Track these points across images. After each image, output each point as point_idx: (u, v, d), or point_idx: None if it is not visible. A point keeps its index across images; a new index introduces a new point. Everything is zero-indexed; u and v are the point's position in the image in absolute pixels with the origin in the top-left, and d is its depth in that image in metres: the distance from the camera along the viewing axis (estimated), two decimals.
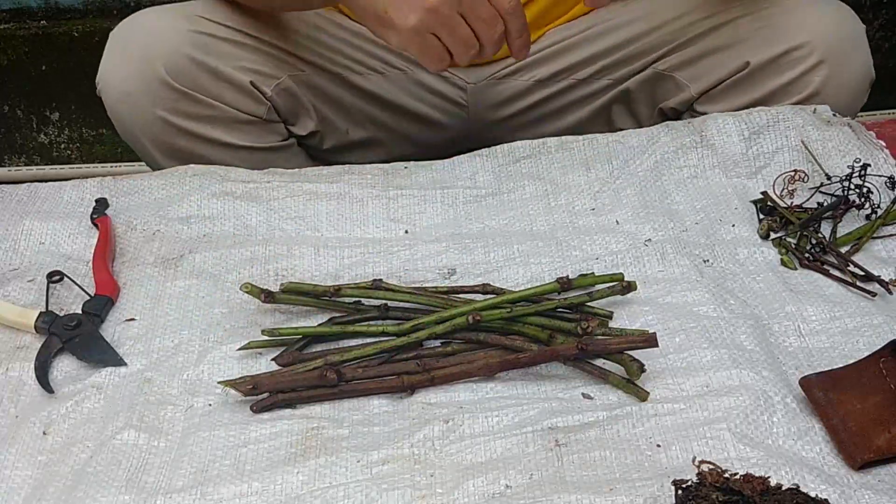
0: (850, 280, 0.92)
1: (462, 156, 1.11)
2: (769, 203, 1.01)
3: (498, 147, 1.11)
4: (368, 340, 0.88)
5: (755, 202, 1.02)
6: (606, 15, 1.22)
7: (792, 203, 1.01)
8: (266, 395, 0.83)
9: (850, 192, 1.00)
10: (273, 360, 0.87)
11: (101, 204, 1.05)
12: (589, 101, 1.25)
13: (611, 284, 0.90)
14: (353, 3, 1.02)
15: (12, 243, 1.01)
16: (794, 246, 0.96)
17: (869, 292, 0.91)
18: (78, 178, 1.12)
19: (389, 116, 1.25)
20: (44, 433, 0.82)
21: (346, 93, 1.23)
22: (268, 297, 0.90)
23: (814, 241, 0.96)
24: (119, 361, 0.88)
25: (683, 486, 0.68)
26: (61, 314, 0.92)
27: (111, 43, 1.13)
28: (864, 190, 0.99)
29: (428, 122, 1.26)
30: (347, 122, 1.24)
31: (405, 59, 1.23)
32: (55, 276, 0.96)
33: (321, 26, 1.21)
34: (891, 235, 0.98)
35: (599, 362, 0.84)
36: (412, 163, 1.11)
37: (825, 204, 1.00)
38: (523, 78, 1.24)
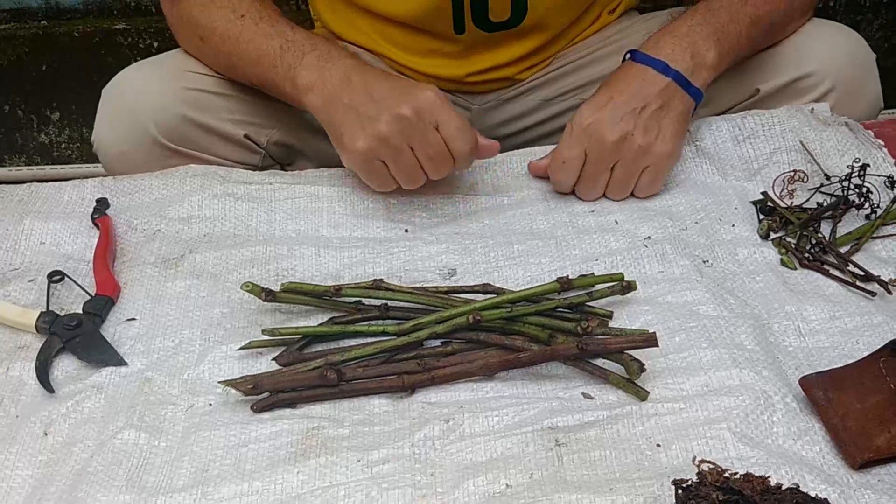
0: (849, 280, 0.92)
1: None
2: (769, 203, 1.01)
3: (497, 156, 1.11)
4: (369, 340, 0.88)
5: (755, 202, 1.02)
6: (615, 37, 1.22)
7: (791, 203, 1.01)
8: (266, 395, 0.84)
9: (850, 191, 1.00)
10: (273, 359, 0.87)
11: (102, 204, 1.05)
12: None
13: (611, 284, 0.90)
14: (315, 114, 1.02)
15: (13, 243, 1.01)
16: (793, 246, 0.96)
17: (869, 292, 0.91)
18: (78, 178, 1.11)
19: None
20: (44, 433, 0.82)
21: None
22: (268, 295, 0.90)
23: (813, 241, 0.96)
24: (120, 361, 0.88)
25: (683, 485, 0.68)
26: (62, 314, 0.92)
27: (103, 102, 1.12)
28: (864, 190, 1.00)
29: None
30: None
31: None
32: (56, 276, 0.96)
33: None
34: (890, 235, 0.98)
35: (599, 362, 0.84)
36: None
37: (825, 204, 1.00)
38: (529, 97, 1.24)
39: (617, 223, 1.01)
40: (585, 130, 1.00)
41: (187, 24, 1.10)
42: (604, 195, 1.04)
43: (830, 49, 1.10)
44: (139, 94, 1.09)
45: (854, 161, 1.01)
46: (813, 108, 1.09)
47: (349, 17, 1.21)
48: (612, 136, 0.99)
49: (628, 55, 1.04)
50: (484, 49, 1.18)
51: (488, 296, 0.90)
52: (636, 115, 0.99)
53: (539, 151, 1.10)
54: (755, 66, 1.12)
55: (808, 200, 1.01)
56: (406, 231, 1.02)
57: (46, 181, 1.12)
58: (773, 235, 0.98)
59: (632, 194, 1.04)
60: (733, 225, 0.99)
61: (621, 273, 0.91)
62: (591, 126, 1.00)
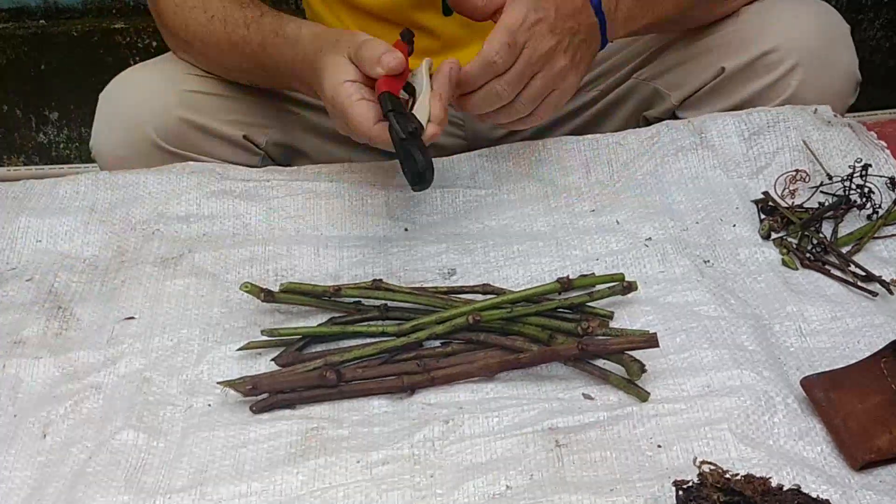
0: (851, 280, 0.92)
1: (462, 155, 1.11)
2: (770, 203, 1.01)
3: (497, 147, 1.11)
4: (368, 341, 0.88)
5: (756, 202, 1.02)
6: None
7: (793, 203, 1.01)
8: (265, 396, 0.83)
9: (852, 192, 1.00)
10: (273, 360, 0.87)
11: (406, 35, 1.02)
12: (578, 113, 1.25)
13: (611, 284, 0.90)
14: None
15: (9, 241, 1.01)
16: (795, 246, 0.96)
17: (870, 292, 0.91)
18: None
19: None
20: (43, 434, 0.82)
21: None
22: (267, 296, 0.89)
23: (815, 241, 0.96)
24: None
25: (684, 486, 0.68)
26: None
27: (101, 106, 1.12)
28: (866, 190, 0.99)
29: None
30: (350, 152, 1.22)
31: None
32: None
33: None
34: (892, 235, 0.97)
35: (600, 362, 0.84)
36: None
37: (826, 204, 1.00)
38: None
39: (618, 223, 1.01)
40: (530, 29, 0.94)
41: (171, 29, 1.11)
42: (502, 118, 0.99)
43: (793, 23, 1.09)
44: (137, 98, 1.10)
45: (856, 161, 1.01)
46: (816, 109, 1.09)
47: (340, 17, 1.21)
48: (549, 42, 0.95)
49: None
50: (471, 41, 1.18)
51: (488, 296, 0.90)
52: (571, 33, 0.97)
53: (540, 145, 1.10)
54: (718, 44, 1.12)
55: (808, 200, 1.01)
56: (406, 230, 1.02)
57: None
58: (774, 235, 0.98)
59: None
60: (734, 225, 0.99)
61: (622, 273, 0.91)
62: (535, 26, 0.95)
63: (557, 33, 0.96)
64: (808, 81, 1.09)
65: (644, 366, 0.81)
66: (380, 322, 0.90)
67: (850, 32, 1.12)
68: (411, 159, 0.88)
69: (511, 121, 0.99)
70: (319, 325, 0.90)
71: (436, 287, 0.93)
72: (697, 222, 1.00)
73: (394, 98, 0.90)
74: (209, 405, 0.84)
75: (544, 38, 0.95)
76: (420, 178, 0.88)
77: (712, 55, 1.12)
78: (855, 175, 1.00)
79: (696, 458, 0.73)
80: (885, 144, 1.06)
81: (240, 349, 0.88)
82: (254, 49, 1.05)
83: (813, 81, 1.09)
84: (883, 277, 0.92)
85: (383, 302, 0.91)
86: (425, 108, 0.92)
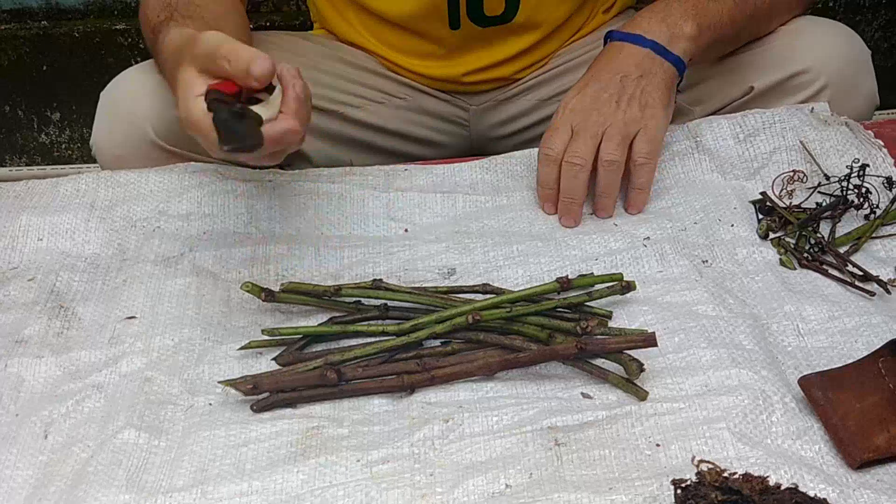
0: (848, 280, 0.92)
1: (462, 164, 1.11)
2: (768, 203, 1.01)
3: (495, 157, 1.11)
4: (368, 340, 0.88)
5: (754, 202, 1.02)
6: None
7: (791, 203, 1.01)
8: (266, 395, 0.84)
9: (849, 192, 1.00)
10: (273, 359, 0.87)
11: None
12: None
13: (610, 284, 0.90)
14: None
15: (10, 241, 1.01)
16: (792, 246, 0.96)
17: (868, 292, 0.91)
18: None
19: (391, 141, 1.24)
20: (45, 434, 0.82)
21: (345, 127, 1.21)
22: (268, 296, 0.90)
23: (812, 241, 0.96)
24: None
25: (682, 485, 0.68)
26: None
27: (101, 105, 1.12)
28: (863, 190, 1.00)
29: (429, 142, 1.26)
30: (349, 153, 1.22)
31: (406, 87, 1.23)
32: None
33: (317, 63, 1.20)
34: (889, 235, 0.98)
35: (599, 362, 0.84)
36: (412, 165, 1.12)
37: (824, 204, 1.00)
38: (526, 98, 1.24)
39: (616, 225, 1.01)
40: (573, 109, 1.00)
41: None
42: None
43: (824, 46, 1.10)
44: (136, 97, 1.10)
45: (853, 161, 1.01)
46: (813, 108, 1.09)
47: (346, 16, 1.22)
48: (597, 106, 0.99)
49: (608, 39, 1.04)
50: (478, 47, 1.18)
51: (488, 296, 0.90)
52: (619, 84, 0.99)
53: (535, 154, 1.10)
54: (748, 62, 1.12)
55: (806, 200, 1.01)
56: (406, 231, 1.02)
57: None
58: (772, 235, 0.98)
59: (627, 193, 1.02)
60: (732, 225, 0.99)
61: (621, 273, 0.91)
62: (576, 103, 1.00)
63: (603, 92, 0.99)
64: (834, 103, 1.10)
65: (643, 365, 0.82)
66: (380, 322, 0.90)
67: (871, 58, 1.13)
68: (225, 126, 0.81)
69: (623, 190, 1.00)
70: (320, 324, 0.90)
71: (436, 287, 0.93)
72: (696, 222, 1.00)
73: (218, 92, 0.83)
74: (210, 404, 0.84)
75: (589, 106, 0.99)
76: (231, 136, 0.82)
77: (742, 74, 1.12)
78: (852, 175, 1.00)
79: (694, 456, 0.73)
80: (882, 143, 1.06)
81: (241, 348, 0.89)
82: (164, 59, 1.00)
83: (838, 103, 1.10)
84: (880, 277, 0.92)
85: (383, 302, 0.91)
86: (274, 105, 0.85)
